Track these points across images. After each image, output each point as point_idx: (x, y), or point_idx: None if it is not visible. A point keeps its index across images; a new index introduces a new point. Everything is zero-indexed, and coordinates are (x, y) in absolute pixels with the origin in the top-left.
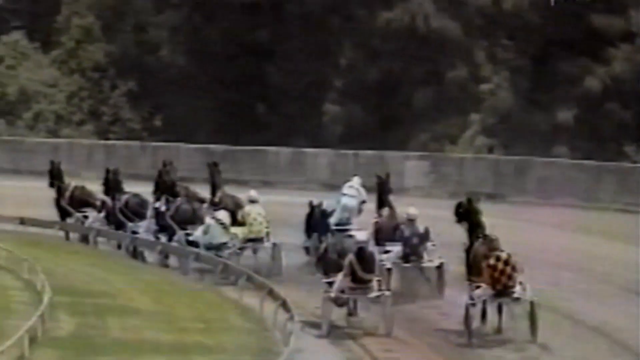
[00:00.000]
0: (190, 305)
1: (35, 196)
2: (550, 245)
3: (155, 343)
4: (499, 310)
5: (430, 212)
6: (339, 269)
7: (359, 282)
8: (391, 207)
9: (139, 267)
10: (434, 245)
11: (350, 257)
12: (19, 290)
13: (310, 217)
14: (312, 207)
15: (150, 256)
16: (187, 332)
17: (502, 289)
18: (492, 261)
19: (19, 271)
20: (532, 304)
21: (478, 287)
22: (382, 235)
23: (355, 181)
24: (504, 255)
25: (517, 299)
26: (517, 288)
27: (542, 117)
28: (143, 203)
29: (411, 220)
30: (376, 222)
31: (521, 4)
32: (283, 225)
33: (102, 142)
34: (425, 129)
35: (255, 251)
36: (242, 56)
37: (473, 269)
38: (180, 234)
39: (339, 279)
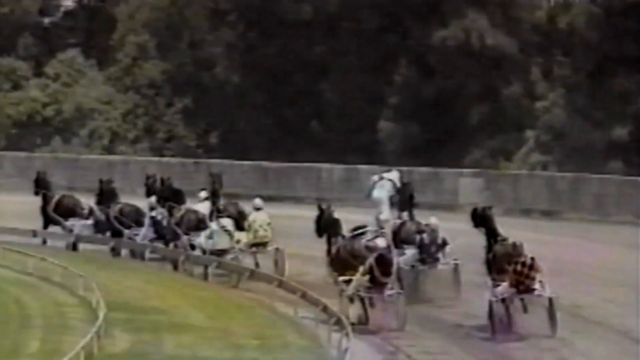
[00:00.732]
0: (244, 322)
1: None
2: (605, 262)
3: None
4: (524, 308)
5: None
6: (351, 268)
7: (376, 284)
8: (411, 213)
9: (194, 284)
10: (450, 248)
11: (371, 260)
12: (75, 306)
13: (319, 219)
14: (322, 210)
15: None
16: (242, 349)
17: (524, 289)
18: (518, 267)
19: (75, 288)
20: (550, 300)
21: (498, 285)
22: (399, 237)
23: (393, 174)
24: (528, 261)
25: (538, 295)
26: (537, 286)
27: (597, 133)
28: (138, 211)
29: (432, 229)
30: (395, 225)
31: (577, 21)
32: None
33: (157, 159)
34: (480, 145)
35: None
36: (297, 73)
37: (494, 268)
38: (184, 239)
39: (356, 278)
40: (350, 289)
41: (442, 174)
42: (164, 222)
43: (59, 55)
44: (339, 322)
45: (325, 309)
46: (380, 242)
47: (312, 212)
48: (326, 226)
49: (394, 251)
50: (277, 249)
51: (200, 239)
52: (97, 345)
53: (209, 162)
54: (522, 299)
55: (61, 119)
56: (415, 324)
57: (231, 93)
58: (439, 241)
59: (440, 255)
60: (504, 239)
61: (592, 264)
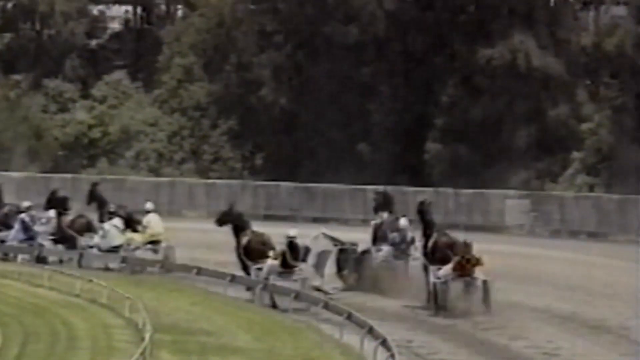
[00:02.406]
0: (292, 344)
1: None
2: None
3: None
4: (465, 290)
5: (531, 251)
6: (263, 255)
7: (287, 267)
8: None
9: (241, 305)
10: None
11: (284, 247)
12: (122, 328)
13: (225, 214)
14: (231, 207)
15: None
16: None
17: (464, 274)
18: (464, 261)
19: (121, 309)
20: (485, 282)
21: (440, 269)
22: (378, 236)
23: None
24: (473, 260)
25: (474, 279)
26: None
27: None
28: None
29: (400, 230)
30: (375, 225)
31: (624, 43)
32: None
33: (203, 180)
34: (527, 166)
35: (155, 251)
36: (344, 94)
37: (437, 256)
38: (81, 240)
39: (269, 262)
40: (263, 273)
41: (489, 195)
42: (32, 225)
43: (105, 78)
44: (384, 343)
45: (371, 330)
46: (292, 232)
47: (357, 234)
48: (231, 221)
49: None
50: (168, 246)
51: (96, 238)
52: None
53: (256, 183)
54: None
55: (107, 140)
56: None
57: (278, 114)
58: (409, 239)
59: (411, 251)
60: (444, 233)
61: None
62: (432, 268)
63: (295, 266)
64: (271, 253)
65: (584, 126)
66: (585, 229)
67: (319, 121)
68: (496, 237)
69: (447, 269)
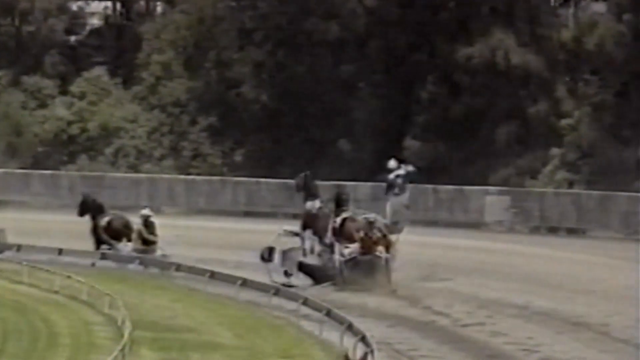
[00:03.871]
0: (272, 340)
1: None
2: (634, 280)
3: None
4: (369, 266)
5: (511, 248)
6: (125, 235)
7: (147, 243)
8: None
9: (222, 302)
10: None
11: (139, 226)
12: (102, 325)
13: (83, 203)
14: (85, 197)
15: None
16: None
17: (368, 252)
18: (367, 238)
19: (101, 306)
20: (387, 260)
21: (347, 247)
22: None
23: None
24: (374, 237)
25: (378, 257)
26: (381, 251)
27: (624, 151)
28: None
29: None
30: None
31: (604, 40)
32: None
33: (183, 177)
34: (507, 163)
35: None
36: (325, 91)
37: (342, 236)
38: None
39: (133, 241)
40: (128, 250)
41: (468, 192)
42: None
43: (84, 74)
44: (364, 339)
45: (350, 326)
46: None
47: None
48: (89, 209)
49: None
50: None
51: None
52: None
53: (236, 180)
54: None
55: (87, 137)
56: None
57: (258, 111)
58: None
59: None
60: (352, 215)
61: (620, 282)
62: (339, 246)
63: (153, 242)
64: (133, 235)
65: (564, 122)
66: (565, 225)
67: (299, 118)
68: (476, 234)
69: (353, 247)
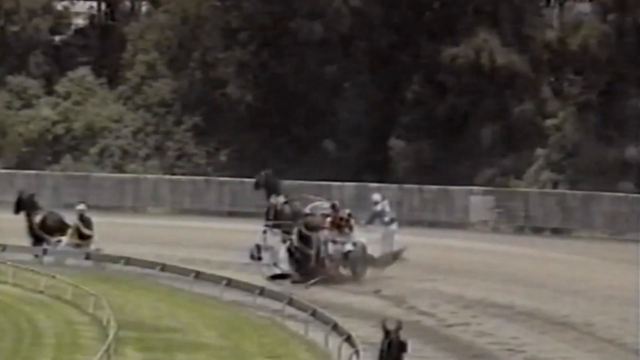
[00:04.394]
0: (257, 340)
1: (101, 231)
2: (618, 280)
3: None
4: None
5: (495, 248)
6: (59, 230)
7: (82, 238)
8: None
9: (207, 302)
10: None
11: (77, 221)
12: (86, 325)
13: (19, 201)
14: (20, 194)
15: None
16: None
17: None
18: (337, 221)
19: (86, 306)
20: (363, 247)
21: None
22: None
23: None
24: (338, 219)
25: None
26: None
27: (608, 152)
28: None
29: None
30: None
31: (588, 40)
32: None
33: (168, 177)
34: (492, 163)
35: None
36: (310, 92)
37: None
38: None
39: (69, 235)
40: (63, 245)
41: (453, 192)
42: None
43: (69, 74)
44: (349, 339)
45: (335, 326)
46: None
47: None
48: (25, 207)
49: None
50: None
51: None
52: None
53: (221, 180)
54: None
55: (72, 137)
56: None
57: (243, 111)
58: None
59: None
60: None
61: (604, 282)
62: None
63: (89, 236)
64: (70, 230)
65: (549, 122)
66: (550, 225)
67: (284, 118)
68: (460, 234)
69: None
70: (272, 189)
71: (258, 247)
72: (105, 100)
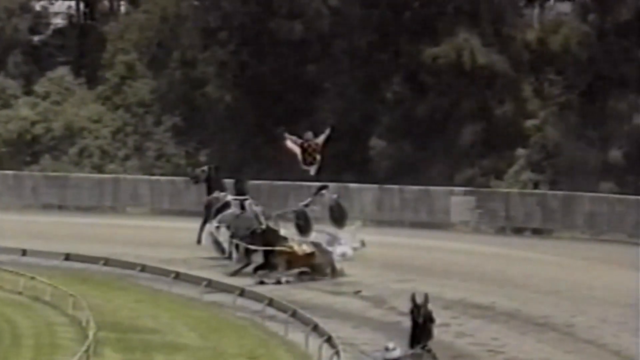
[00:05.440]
0: (237, 341)
1: (80, 232)
2: (598, 280)
3: None
4: None
5: (476, 248)
6: None
7: None
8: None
9: (186, 303)
10: None
11: None
12: (65, 326)
13: None
14: None
15: None
16: None
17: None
18: None
19: (65, 307)
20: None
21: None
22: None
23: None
24: None
25: None
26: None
27: (590, 152)
28: None
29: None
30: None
31: (569, 40)
32: None
33: (147, 177)
34: (472, 164)
35: None
36: (289, 91)
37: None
38: None
39: None
40: None
41: (434, 192)
42: None
43: (48, 74)
44: (329, 340)
45: (315, 327)
46: None
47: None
48: None
49: None
50: None
51: None
52: None
53: None
54: None
55: (51, 137)
56: None
57: (223, 112)
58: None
59: None
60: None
61: (585, 282)
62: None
63: None
64: None
65: (529, 123)
66: (530, 225)
67: (263, 118)
68: (441, 234)
69: None
70: (215, 185)
71: (217, 244)
72: (85, 101)
